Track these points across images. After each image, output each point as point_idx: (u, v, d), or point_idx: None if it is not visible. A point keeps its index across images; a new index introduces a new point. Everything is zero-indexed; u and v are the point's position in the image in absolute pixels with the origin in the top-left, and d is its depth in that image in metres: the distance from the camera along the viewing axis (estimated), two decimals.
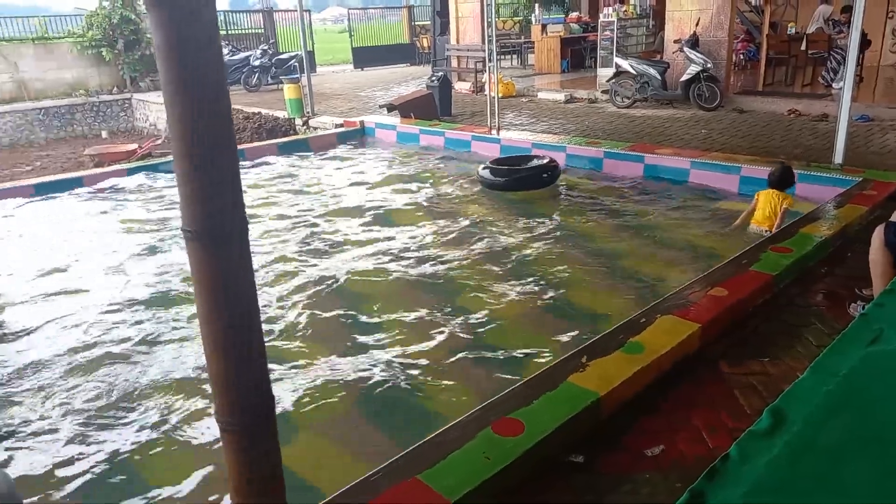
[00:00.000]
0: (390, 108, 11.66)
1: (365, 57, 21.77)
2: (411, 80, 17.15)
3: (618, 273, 5.06)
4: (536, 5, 17.72)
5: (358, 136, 10.86)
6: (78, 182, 8.41)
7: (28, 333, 4.42)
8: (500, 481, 2.39)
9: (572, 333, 4.02)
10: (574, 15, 17.89)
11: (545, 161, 7.15)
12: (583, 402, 2.77)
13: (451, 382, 3.62)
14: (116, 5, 18.16)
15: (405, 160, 9.22)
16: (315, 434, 3.25)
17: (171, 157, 9.98)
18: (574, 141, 8.35)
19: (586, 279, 4.95)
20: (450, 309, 4.48)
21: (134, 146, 12.90)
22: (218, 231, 1.45)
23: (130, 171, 8.81)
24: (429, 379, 3.65)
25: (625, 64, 11.29)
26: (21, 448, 3.20)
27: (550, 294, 4.66)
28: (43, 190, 8.07)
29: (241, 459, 1.58)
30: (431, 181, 8.01)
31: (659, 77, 10.80)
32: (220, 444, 1.59)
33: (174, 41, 1.32)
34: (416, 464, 2.44)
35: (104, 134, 17.44)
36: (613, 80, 11.43)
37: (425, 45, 21.89)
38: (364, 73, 20.87)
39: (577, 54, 17.02)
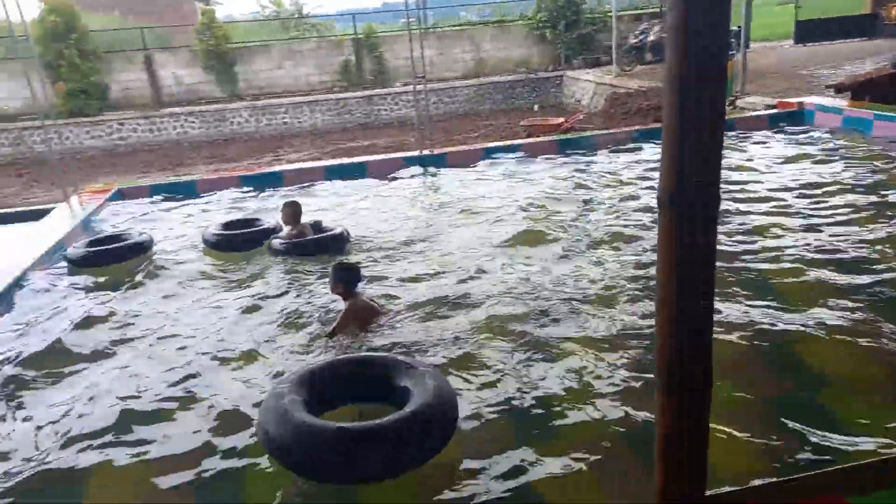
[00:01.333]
0: (840, 88, 10.16)
1: (810, 30, 19.26)
2: (868, 57, 14.58)
3: None
4: None
5: (794, 119, 9.78)
6: (514, 149, 9.62)
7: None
8: None
9: None
10: None
11: None
12: None
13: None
14: None
15: (851, 150, 7.97)
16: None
17: (589, 133, 10.72)
18: None
19: None
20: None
21: (560, 120, 14.06)
22: (691, 202, 1.53)
23: (562, 143, 9.68)
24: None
25: None
26: None
27: None
28: (490, 152, 9.50)
29: (672, 425, 1.67)
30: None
31: None
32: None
33: (685, 25, 1.42)
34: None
35: (536, 107, 19.39)
36: None
37: (894, 14, 18.22)
38: (806, 49, 18.52)
39: None
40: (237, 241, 5.97)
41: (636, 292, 4.58)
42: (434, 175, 8.94)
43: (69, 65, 16.99)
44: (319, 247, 5.61)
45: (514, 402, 3.40)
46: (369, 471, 2.69)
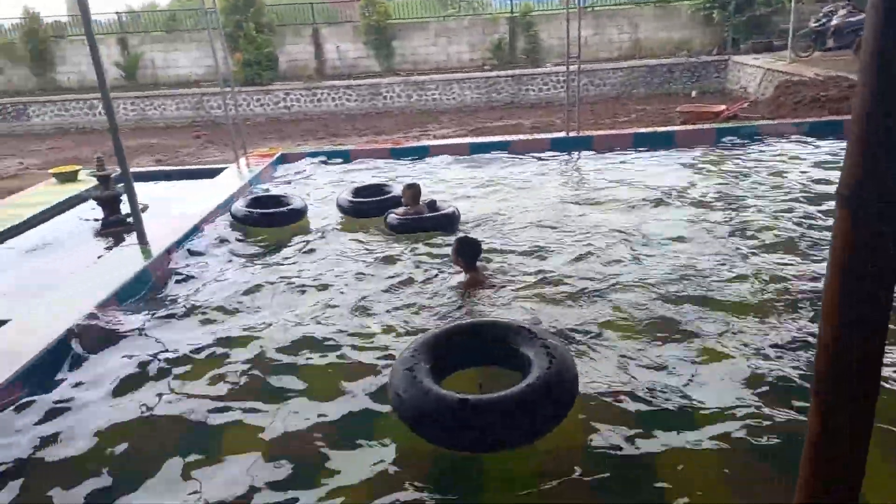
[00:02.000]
0: None
1: None
2: None
3: None
4: None
5: None
6: (669, 138, 9.16)
7: None
8: None
9: None
10: None
11: None
12: None
13: None
14: None
15: None
16: None
17: (754, 122, 9.94)
18: None
19: None
20: None
21: (722, 107, 13.16)
22: (879, 197, 1.39)
23: (720, 132, 9.08)
24: None
25: None
26: None
27: None
28: (640, 138, 9.13)
29: (827, 435, 1.55)
30: None
31: None
32: None
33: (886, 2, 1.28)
34: None
35: (694, 93, 18.28)
36: None
37: None
38: None
39: None
40: (365, 208, 6.40)
41: (791, 295, 4.24)
42: (578, 158, 8.76)
43: (246, 36, 18.47)
44: (431, 224, 5.86)
45: (639, 388, 3.33)
46: (490, 441, 2.77)
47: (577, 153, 8.91)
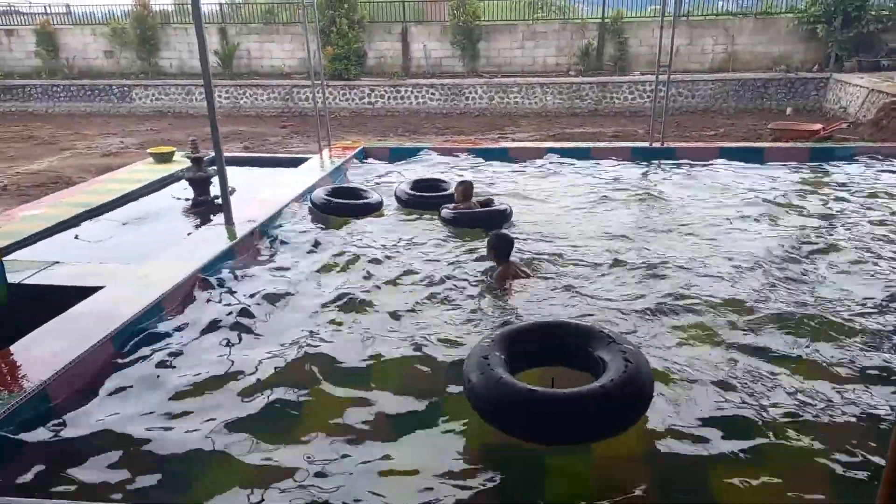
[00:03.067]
0: None
1: None
2: None
3: None
4: None
5: None
6: (758, 153, 8.80)
7: None
8: None
9: None
10: None
11: None
12: None
13: None
14: None
15: None
16: None
17: (852, 144, 9.42)
18: None
19: None
20: None
21: (818, 126, 12.53)
22: None
23: (812, 153, 8.67)
24: None
25: None
26: None
27: None
28: (726, 154, 8.83)
29: None
30: None
31: None
32: None
33: None
34: None
35: (788, 111, 17.48)
36: None
37: None
38: None
39: None
40: (422, 201, 6.73)
41: (881, 323, 4.03)
42: (658, 168, 8.55)
43: (338, 31, 18.99)
44: (483, 220, 6.05)
45: (712, 404, 3.27)
46: (562, 435, 2.82)
47: (657, 163, 8.70)
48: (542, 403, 2.79)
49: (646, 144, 9.37)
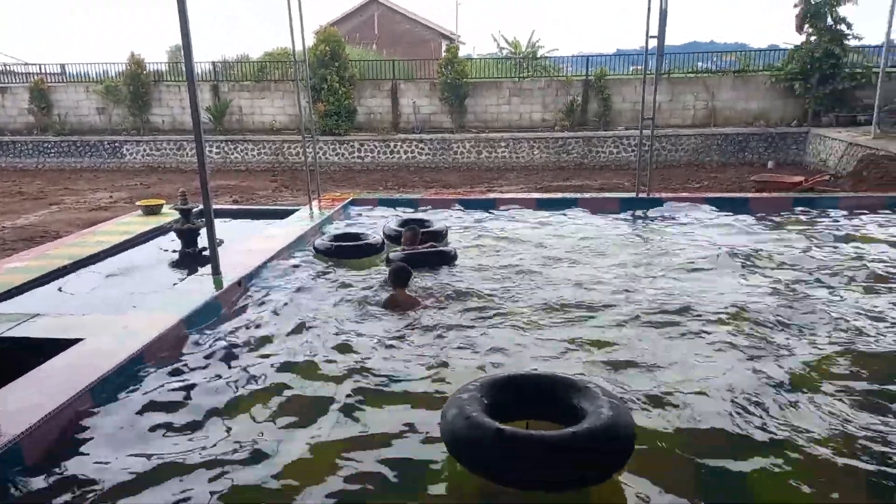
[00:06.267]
0: None
1: None
2: None
3: None
4: None
5: None
6: (742, 203, 8.94)
7: None
8: None
9: None
10: None
11: None
12: None
13: None
14: (823, 40, 18.07)
15: None
16: None
17: (833, 194, 9.59)
18: None
19: None
20: None
21: (799, 178, 12.80)
22: None
23: (795, 202, 8.80)
24: None
25: None
26: None
27: None
28: (712, 203, 8.96)
29: None
30: None
31: None
32: None
33: None
34: None
35: (770, 164, 17.87)
36: None
37: None
38: None
39: None
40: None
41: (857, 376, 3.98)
42: (644, 219, 8.62)
43: (329, 88, 19.37)
44: (424, 259, 6.38)
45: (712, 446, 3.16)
46: (539, 479, 2.77)
47: (642, 213, 8.78)
48: (513, 442, 2.77)
49: (633, 195, 9.48)
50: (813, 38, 18.32)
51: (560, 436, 2.80)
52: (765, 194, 10.30)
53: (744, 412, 3.55)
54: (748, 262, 6.35)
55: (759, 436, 3.34)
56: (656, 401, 3.70)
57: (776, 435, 3.34)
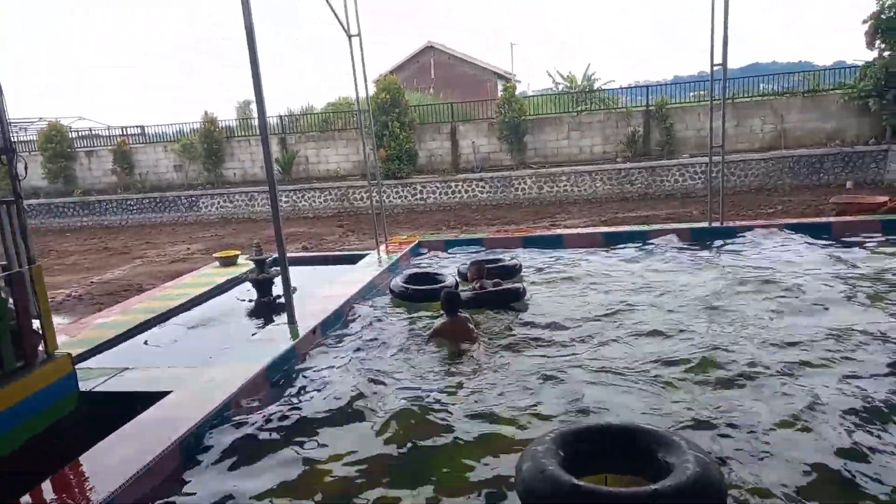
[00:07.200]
0: None
1: None
2: None
3: None
4: None
5: None
6: (826, 228, 8.51)
7: None
8: None
9: None
10: None
11: None
12: None
13: None
14: None
15: None
16: None
17: None
18: None
19: None
20: None
21: (883, 199, 12.10)
22: None
23: (885, 225, 8.31)
24: None
25: None
26: None
27: None
28: (790, 229, 8.56)
29: None
30: None
31: None
32: None
33: None
34: None
35: (849, 184, 17.07)
36: None
37: None
38: None
39: None
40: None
41: None
42: (718, 248, 8.30)
43: (391, 134, 19.88)
44: (492, 298, 6.38)
45: None
46: None
47: (717, 243, 8.46)
48: (590, 498, 2.62)
49: (705, 225, 9.19)
50: (886, 53, 17.57)
51: (641, 493, 2.63)
52: (848, 217, 9.77)
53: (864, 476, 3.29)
54: (861, 292, 5.94)
55: None
56: (752, 459, 3.45)
57: None
